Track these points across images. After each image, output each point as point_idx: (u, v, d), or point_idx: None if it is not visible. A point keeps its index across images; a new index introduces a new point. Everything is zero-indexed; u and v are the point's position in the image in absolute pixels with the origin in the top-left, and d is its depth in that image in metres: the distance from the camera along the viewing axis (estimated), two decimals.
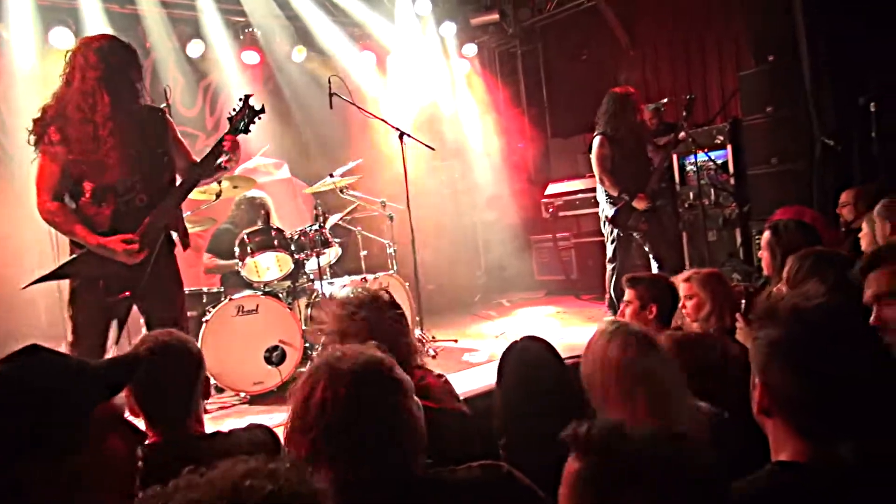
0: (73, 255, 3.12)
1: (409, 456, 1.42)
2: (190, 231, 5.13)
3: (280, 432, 2.10)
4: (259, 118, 3.44)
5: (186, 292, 4.74)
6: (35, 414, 1.13)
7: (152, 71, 6.63)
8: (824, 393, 1.29)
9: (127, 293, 3.14)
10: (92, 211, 3.05)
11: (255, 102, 3.44)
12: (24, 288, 3.06)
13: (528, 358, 2.33)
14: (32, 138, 3.02)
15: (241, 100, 3.42)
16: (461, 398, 2.46)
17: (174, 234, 3.39)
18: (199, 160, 3.35)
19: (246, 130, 3.41)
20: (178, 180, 3.34)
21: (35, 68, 5.68)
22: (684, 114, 5.50)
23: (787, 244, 3.18)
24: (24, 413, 1.13)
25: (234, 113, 3.41)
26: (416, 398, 1.49)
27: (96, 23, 5.95)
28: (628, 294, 3.10)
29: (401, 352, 2.08)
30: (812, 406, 1.30)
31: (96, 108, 2.97)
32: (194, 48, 6.49)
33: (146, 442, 1.89)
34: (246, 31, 6.78)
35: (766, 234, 3.36)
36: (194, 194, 5.04)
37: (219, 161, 3.29)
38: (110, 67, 3.00)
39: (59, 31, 5.76)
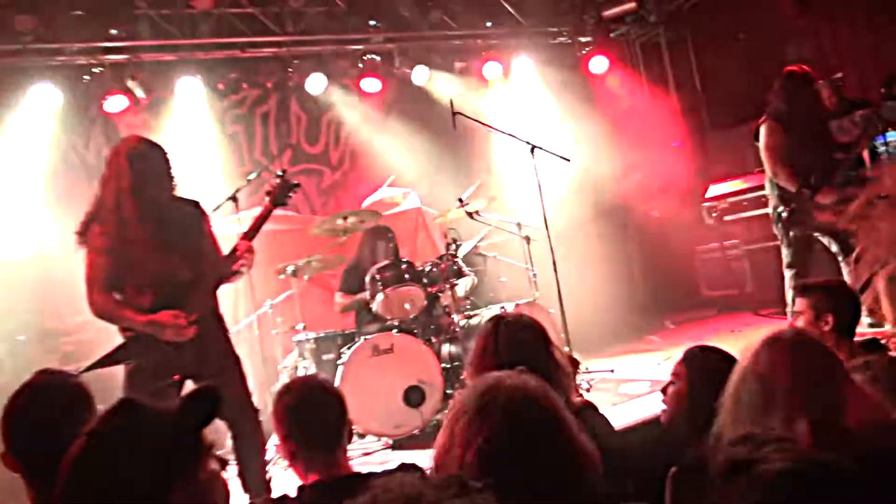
0: (123, 341, 3.50)
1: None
2: (320, 271, 5.65)
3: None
4: (294, 192, 3.97)
5: (321, 335, 5.23)
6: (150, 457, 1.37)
7: (275, 113, 7.26)
8: None
9: (176, 377, 3.44)
10: (135, 299, 3.46)
11: (291, 178, 4.00)
12: (81, 373, 3.20)
13: (710, 372, 2.27)
14: (79, 238, 3.49)
15: (278, 175, 3.97)
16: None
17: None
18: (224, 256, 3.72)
19: (284, 203, 3.93)
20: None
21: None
22: (883, 90, 5.13)
23: None
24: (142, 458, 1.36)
25: (272, 188, 3.90)
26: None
27: (220, 70, 6.65)
28: (799, 304, 2.98)
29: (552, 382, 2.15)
30: None
31: (126, 209, 3.44)
32: (314, 84, 7.00)
33: (307, 482, 2.17)
34: (364, 58, 7.22)
35: None
36: (322, 233, 5.47)
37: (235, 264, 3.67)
38: (138, 172, 3.47)
39: (187, 81, 6.49)
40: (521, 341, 2.51)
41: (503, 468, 1.35)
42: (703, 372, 2.36)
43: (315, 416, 2.22)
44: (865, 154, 6.09)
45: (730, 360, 2.29)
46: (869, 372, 2.21)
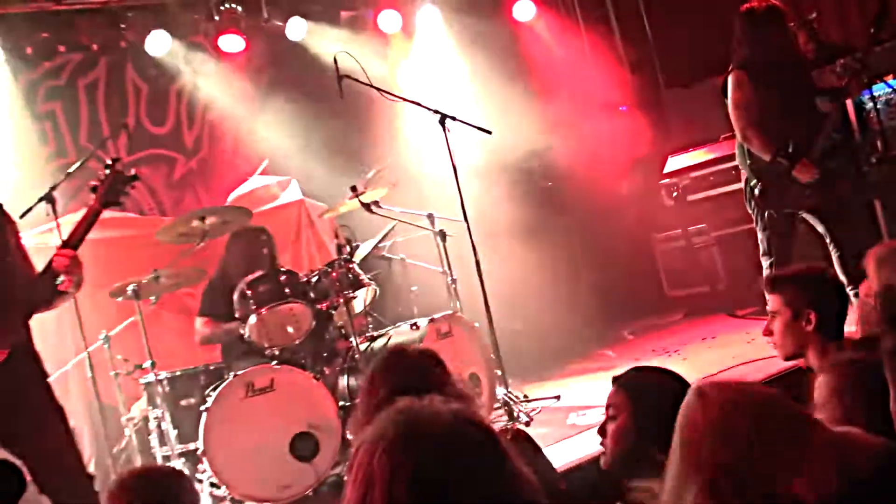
0: None
1: None
2: (173, 290, 5.51)
3: None
4: (131, 186, 3.90)
5: (178, 373, 5.10)
6: None
7: (105, 84, 7.03)
8: None
9: None
10: None
11: (127, 168, 3.95)
12: None
13: (656, 400, 2.36)
14: None
15: (107, 166, 3.86)
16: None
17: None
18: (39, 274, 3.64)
19: (116, 202, 3.85)
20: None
21: None
22: (872, 30, 5.31)
23: None
24: None
25: (99, 183, 3.80)
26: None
27: (27, 29, 6.40)
28: (772, 301, 3.07)
29: None
30: None
31: None
32: (156, 44, 6.82)
33: None
34: (222, 8, 7.06)
35: None
36: (173, 239, 5.33)
37: (57, 282, 3.57)
38: None
39: None
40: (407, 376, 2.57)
41: (441, 498, 1.38)
42: (648, 400, 2.42)
43: None
44: (851, 112, 6.36)
45: (677, 383, 2.43)
46: (853, 369, 2.29)
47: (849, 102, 6.28)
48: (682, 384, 2.41)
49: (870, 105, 6.10)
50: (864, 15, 6.42)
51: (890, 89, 5.90)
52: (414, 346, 2.70)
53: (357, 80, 5.64)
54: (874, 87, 5.79)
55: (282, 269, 5.26)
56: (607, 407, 2.53)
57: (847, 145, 6.39)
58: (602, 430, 2.53)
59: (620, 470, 2.49)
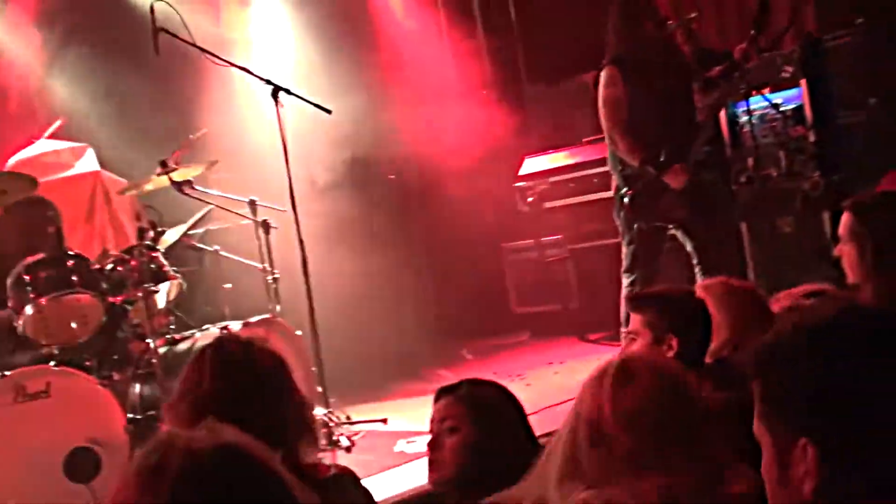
0: None
1: None
2: None
3: None
4: None
5: None
6: None
7: None
8: None
9: None
10: None
11: None
12: None
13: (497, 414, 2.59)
14: None
15: None
16: None
17: None
18: None
19: None
20: None
21: None
22: (752, 31, 5.57)
23: (881, 231, 3.32)
24: None
25: None
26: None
27: None
28: (633, 322, 3.16)
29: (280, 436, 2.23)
30: None
31: None
32: None
33: None
34: None
35: (847, 218, 3.47)
36: None
37: None
38: None
39: None
40: (238, 378, 2.49)
41: None
42: (491, 414, 2.62)
43: None
44: (724, 124, 6.66)
45: (510, 398, 2.70)
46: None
47: (722, 114, 6.63)
48: (514, 399, 2.69)
49: (744, 119, 6.39)
50: (742, 19, 6.77)
51: (767, 103, 6.20)
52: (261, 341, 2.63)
53: (176, 37, 5.53)
54: (750, 100, 6.06)
55: (69, 253, 5.11)
56: (441, 420, 2.63)
57: (718, 160, 6.73)
58: (436, 443, 2.61)
59: (457, 487, 2.59)
